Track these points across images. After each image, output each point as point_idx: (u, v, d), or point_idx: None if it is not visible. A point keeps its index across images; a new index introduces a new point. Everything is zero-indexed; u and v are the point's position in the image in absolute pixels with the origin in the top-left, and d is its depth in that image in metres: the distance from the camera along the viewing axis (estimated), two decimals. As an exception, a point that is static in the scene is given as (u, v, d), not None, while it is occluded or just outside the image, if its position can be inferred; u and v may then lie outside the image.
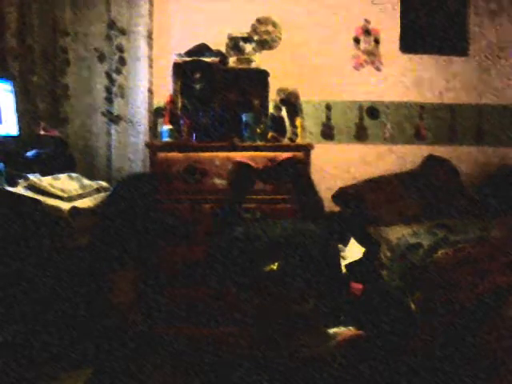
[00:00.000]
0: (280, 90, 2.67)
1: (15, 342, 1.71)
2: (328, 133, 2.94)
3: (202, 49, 2.53)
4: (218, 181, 2.29)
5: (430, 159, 2.92)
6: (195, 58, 2.45)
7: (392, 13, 2.93)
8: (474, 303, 1.63)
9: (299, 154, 2.32)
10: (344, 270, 2.23)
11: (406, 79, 2.97)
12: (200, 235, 2.28)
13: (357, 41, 2.93)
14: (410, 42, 2.95)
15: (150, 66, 2.75)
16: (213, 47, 2.56)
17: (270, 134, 2.46)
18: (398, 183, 2.73)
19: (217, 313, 2.13)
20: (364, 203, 2.59)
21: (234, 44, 2.61)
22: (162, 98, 2.63)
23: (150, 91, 2.75)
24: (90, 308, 2.00)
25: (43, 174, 1.98)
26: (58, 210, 1.78)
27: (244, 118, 2.41)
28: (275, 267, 1.78)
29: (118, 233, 2.15)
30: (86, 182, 2.21)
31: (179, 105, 2.44)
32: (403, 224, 2.40)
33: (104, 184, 2.32)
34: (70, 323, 1.91)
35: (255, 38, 2.65)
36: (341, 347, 1.73)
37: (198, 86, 2.41)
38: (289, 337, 1.69)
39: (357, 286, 2.17)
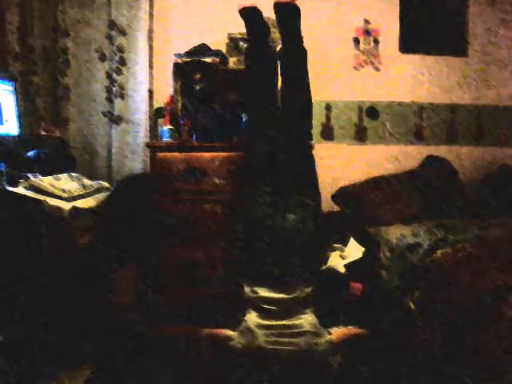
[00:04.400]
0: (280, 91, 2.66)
1: (15, 342, 1.71)
2: (328, 133, 2.95)
3: (202, 49, 2.53)
4: (217, 181, 2.29)
5: (430, 159, 2.92)
6: (195, 58, 2.45)
7: (392, 13, 2.93)
8: (474, 303, 1.63)
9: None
10: (343, 269, 2.23)
11: (406, 79, 2.97)
12: (200, 235, 2.28)
13: (356, 41, 2.93)
14: (410, 42, 2.95)
15: (150, 66, 2.76)
16: (213, 47, 2.56)
17: (269, 134, 2.46)
18: (397, 183, 2.73)
19: (217, 313, 2.13)
20: (364, 203, 2.59)
21: (234, 44, 2.62)
22: (162, 98, 2.62)
23: (150, 91, 2.76)
24: (90, 308, 2.00)
25: (44, 174, 1.99)
26: (58, 209, 1.78)
27: (244, 117, 2.41)
28: (280, 270, 1.80)
29: (117, 233, 2.15)
30: (87, 181, 2.21)
31: (179, 105, 2.44)
32: (403, 224, 2.41)
33: (104, 184, 2.33)
34: (70, 323, 1.91)
35: (255, 38, 2.64)
36: (341, 347, 1.74)
37: (198, 86, 2.41)
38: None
39: (357, 286, 2.18)
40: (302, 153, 2.13)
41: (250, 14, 2.10)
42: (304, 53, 2.15)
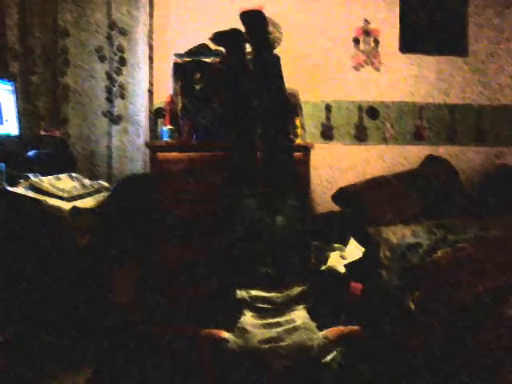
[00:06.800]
0: (280, 90, 2.66)
1: (15, 342, 1.71)
2: (328, 133, 2.95)
3: (202, 49, 2.53)
4: (217, 181, 2.29)
5: (430, 159, 2.92)
6: (195, 58, 2.45)
7: (392, 13, 2.94)
8: (474, 303, 1.63)
9: (299, 154, 2.33)
10: (343, 269, 2.23)
11: (406, 79, 2.98)
12: (200, 235, 2.28)
13: (356, 41, 2.93)
14: (410, 42, 2.95)
15: (150, 66, 2.76)
16: (213, 47, 2.56)
17: (269, 134, 2.46)
18: (397, 183, 2.73)
19: (216, 312, 2.14)
20: (364, 203, 2.59)
21: (234, 44, 2.61)
22: (162, 98, 2.62)
23: (150, 91, 2.75)
24: (90, 308, 2.00)
25: (44, 174, 1.98)
26: (58, 209, 1.78)
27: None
28: (270, 271, 1.81)
29: (118, 233, 2.15)
30: (87, 181, 2.21)
31: (179, 105, 2.44)
32: (403, 224, 2.41)
33: (104, 184, 2.32)
34: (70, 323, 1.91)
35: (255, 38, 2.64)
36: (336, 343, 1.73)
37: (197, 86, 2.41)
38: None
39: (357, 286, 2.18)
40: (290, 154, 2.17)
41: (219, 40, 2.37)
42: (277, 57, 2.30)
